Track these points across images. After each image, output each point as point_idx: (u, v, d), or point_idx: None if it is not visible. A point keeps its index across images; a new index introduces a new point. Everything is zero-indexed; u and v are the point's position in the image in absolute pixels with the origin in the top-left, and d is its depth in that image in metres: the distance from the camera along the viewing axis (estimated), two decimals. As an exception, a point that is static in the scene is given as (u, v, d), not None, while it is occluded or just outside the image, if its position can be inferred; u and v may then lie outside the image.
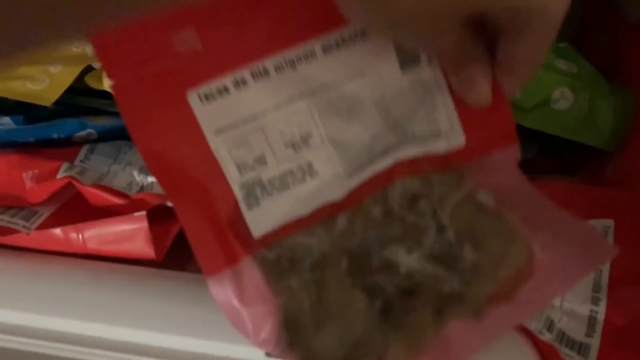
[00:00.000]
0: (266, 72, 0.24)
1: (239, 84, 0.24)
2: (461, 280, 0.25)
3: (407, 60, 0.25)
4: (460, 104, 0.26)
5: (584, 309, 0.31)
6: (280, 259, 0.25)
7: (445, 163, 0.27)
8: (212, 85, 0.24)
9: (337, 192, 0.26)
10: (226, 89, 0.24)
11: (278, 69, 0.24)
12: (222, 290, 0.25)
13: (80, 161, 0.37)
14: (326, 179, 0.26)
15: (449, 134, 0.26)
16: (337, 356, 0.25)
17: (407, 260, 0.26)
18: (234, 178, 0.25)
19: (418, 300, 0.25)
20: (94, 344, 0.28)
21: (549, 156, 0.45)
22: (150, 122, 0.23)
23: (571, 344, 0.29)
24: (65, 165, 0.34)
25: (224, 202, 0.25)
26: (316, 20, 0.24)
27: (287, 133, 0.25)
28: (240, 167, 0.25)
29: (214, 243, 0.25)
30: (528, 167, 0.41)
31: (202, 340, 0.28)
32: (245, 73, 0.24)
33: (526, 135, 0.44)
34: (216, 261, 0.25)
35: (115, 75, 0.23)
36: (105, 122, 0.39)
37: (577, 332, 0.30)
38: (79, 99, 0.41)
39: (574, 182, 0.41)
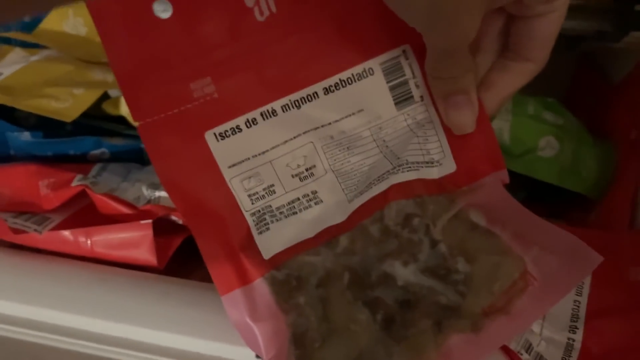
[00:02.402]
0: (274, 112, 0.27)
1: (250, 123, 0.27)
2: (456, 292, 0.27)
3: (401, 98, 0.28)
4: (452, 136, 0.29)
5: (562, 337, 0.32)
6: (289, 278, 0.28)
7: (438, 187, 0.29)
8: (227, 126, 0.27)
9: (339, 216, 0.28)
10: (239, 128, 0.27)
11: (285, 109, 0.27)
12: (235, 308, 0.27)
13: (93, 176, 0.39)
14: (329, 205, 0.28)
15: (441, 163, 0.29)
16: None
17: (404, 273, 0.27)
18: (246, 206, 0.28)
19: (417, 312, 0.27)
20: (95, 339, 0.29)
21: (538, 202, 0.48)
22: (171, 156, 0.26)
23: (548, 366, 0.31)
24: (79, 176, 0.37)
25: (237, 228, 0.28)
26: (318, 68, 0.27)
27: (294, 165, 0.28)
28: (252, 197, 0.27)
29: (228, 265, 0.27)
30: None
31: (195, 339, 0.29)
32: (255, 114, 0.27)
33: (515, 182, 0.47)
34: (230, 281, 0.27)
35: (140, 117, 0.26)
36: (119, 142, 0.41)
37: (554, 356, 0.31)
38: (96, 121, 0.44)
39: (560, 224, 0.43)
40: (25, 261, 0.33)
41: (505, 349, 0.31)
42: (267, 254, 0.27)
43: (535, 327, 0.33)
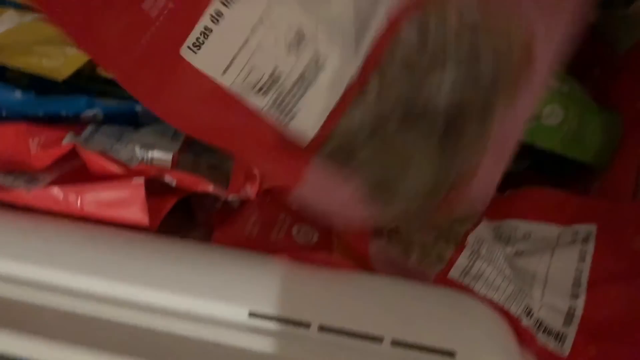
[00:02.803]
0: None
1: (216, 18, 0.25)
2: (489, 88, 0.29)
3: None
4: None
5: (563, 304, 0.32)
6: (339, 146, 0.27)
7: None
8: (196, 32, 0.24)
9: (352, 70, 0.27)
10: (208, 29, 0.25)
11: None
12: (306, 196, 0.27)
13: (85, 137, 0.38)
14: (339, 61, 0.27)
15: None
16: (421, 197, 0.29)
17: (441, 91, 0.28)
18: (259, 102, 0.26)
19: (463, 122, 0.29)
20: (84, 295, 0.29)
21: (541, 173, 0.47)
22: (159, 91, 0.24)
23: (548, 331, 0.30)
24: (70, 134, 0.36)
25: (264, 128, 0.26)
26: None
27: (282, 38, 0.26)
28: (261, 90, 0.26)
29: (277, 165, 0.26)
30: (520, 180, 0.42)
31: (186, 297, 0.28)
32: (216, 4, 0.24)
33: (518, 150, 0.46)
34: (290, 177, 0.27)
35: (108, 62, 0.24)
36: (112, 103, 0.40)
37: (555, 322, 0.30)
38: (90, 83, 0.43)
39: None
40: (11, 218, 0.32)
41: (506, 314, 0.30)
42: (306, 137, 0.26)
43: (536, 293, 0.32)
